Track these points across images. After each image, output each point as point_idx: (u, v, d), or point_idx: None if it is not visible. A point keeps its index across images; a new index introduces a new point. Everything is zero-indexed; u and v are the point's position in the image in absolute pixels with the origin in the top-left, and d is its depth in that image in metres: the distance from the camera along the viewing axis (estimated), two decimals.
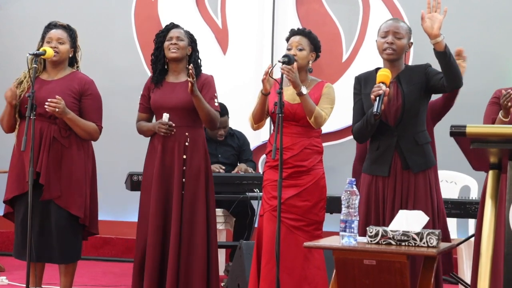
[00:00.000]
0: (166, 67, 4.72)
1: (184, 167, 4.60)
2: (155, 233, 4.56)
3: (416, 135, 4.00)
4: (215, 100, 4.68)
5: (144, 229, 4.62)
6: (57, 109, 4.43)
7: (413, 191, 3.96)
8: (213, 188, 4.74)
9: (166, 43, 4.65)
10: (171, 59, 4.66)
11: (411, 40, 4.09)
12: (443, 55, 3.79)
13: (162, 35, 4.70)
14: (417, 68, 4.07)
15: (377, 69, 4.10)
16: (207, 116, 4.60)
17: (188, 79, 4.45)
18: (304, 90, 4.29)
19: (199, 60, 4.74)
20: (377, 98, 3.81)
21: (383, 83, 3.86)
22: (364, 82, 4.12)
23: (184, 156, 4.61)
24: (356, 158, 5.03)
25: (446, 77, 3.87)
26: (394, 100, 4.00)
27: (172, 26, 4.73)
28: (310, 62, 4.48)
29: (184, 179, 4.59)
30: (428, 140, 4.03)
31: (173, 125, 4.57)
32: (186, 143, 4.62)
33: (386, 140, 4.01)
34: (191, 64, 4.53)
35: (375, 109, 3.79)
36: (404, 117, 3.98)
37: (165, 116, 4.58)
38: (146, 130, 4.72)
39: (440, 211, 4.04)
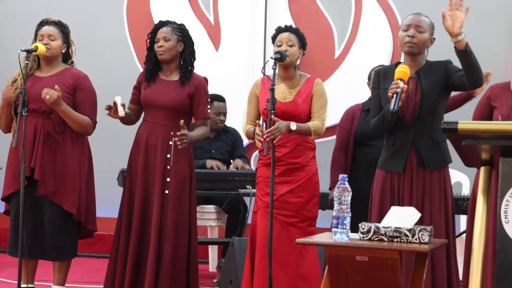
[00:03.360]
0: (160, 64, 4.70)
1: (168, 167, 4.57)
2: (135, 230, 4.53)
3: (433, 132, 3.96)
4: (208, 107, 4.66)
5: (120, 224, 4.60)
6: (47, 96, 4.39)
7: (429, 189, 3.94)
8: (195, 188, 4.70)
9: (155, 45, 4.63)
10: (160, 60, 4.65)
11: (434, 36, 4.03)
12: (464, 53, 3.76)
13: (152, 35, 4.67)
14: (437, 64, 4.01)
15: (397, 63, 4.06)
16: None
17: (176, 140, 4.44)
18: (293, 127, 4.24)
19: (191, 58, 4.66)
20: (395, 95, 3.78)
21: (401, 79, 3.82)
22: (383, 77, 4.06)
23: (168, 155, 4.58)
24: (336, 147, 5.02)
25: (467, 76, 3.83)
26: (413, 95, 3.96)
27: (160, 25, 4.67)
28: (299, 58, 4.49)
29: (168, 179, 4.57)
30: (445, 138, 3.96)
31: (117, 105, 4.45)
32: (170, 142, 4.57)
33: (402, 136, 3.97)
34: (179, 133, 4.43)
35: (392, 106, 3.76)
36: (421, 114, 3.94)
37: (117, 98, 4.48)
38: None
39: (452, 210, 4.02)
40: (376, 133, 4.10)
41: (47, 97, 4.41)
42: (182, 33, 4.67)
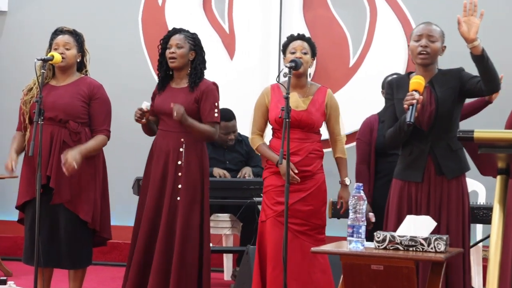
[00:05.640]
0: (171, 72, 4.72)
1: (180, 173, 4.59)
2: (143, 237, 4.55)
3: (450, 140, 3.94)
4: (215, 110, 4.63)
5: (136, 232, 4.62)
6: (175, 113, 4.42)
7: (446, 198, 3.92)
8: (208, 195, 4.69)
9: (167, 52, 4.64)
10: (171, 68, 4.66)
11: (444, 44, 4.03)
12: (480, 58, 3.75)
13: (165, 41, 4.69)
14: (450, 72, 4.00)
15: (409, 73, 4.05)
16: (201, 136, 4.61)
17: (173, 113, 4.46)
18: (347, 181, 4.55)
19: (201, 67, 4.67)
20: (411, 106, 3.75)
21: (416, 91, 3.80)
22: (396, 87, 4.05)
23: (179, 162, 4.59)
24: (358, 161, 5.02)
25: (484, 81, 3.81)
26: (428, 105, 3.94)
27: (173, 32, 4.69)
28: (310, 67, 4.54)
29: (180, 185, 4.57)
30: (462, 145, 3.90)
31: (144, 110, 4.52)
32: (181, 149, 4.59)
33: (419, 145, 3.95)
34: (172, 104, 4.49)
35: (408, 119, 3.74)
36: (437, 122, 3.92)
37: (144, 104, 4.54)
38: (143, 128, 4.73)
39: (469, 218, 4.00)
40: (392, 144, 4.08)
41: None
42: (194, 42, 4.68)
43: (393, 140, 4.00)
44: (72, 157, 4.42)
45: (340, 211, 4.92)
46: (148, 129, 4.73)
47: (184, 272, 4.52)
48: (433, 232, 3.51)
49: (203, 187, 4.64)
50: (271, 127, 4.62)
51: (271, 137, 4.63)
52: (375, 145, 4.92)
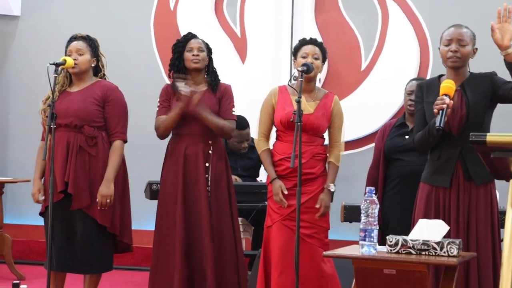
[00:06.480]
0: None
1: (207, 175, 4.61)
2: (182, 243, 4.53)
3: None
4: (233, 109, 4.71)
5: (166, 238, 4.60)
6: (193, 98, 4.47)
7: (475, 204, 3.86)
8: (235, 196, 4.75)
9: (188, 54, 4.67)
10: (193, 69, 4.68)
11: (476, 46, 3.95)
12: None
13: (182, 45, 4.72)
14: (482, 76, 3.93)
15: (440, 76, 4.00)
16: (220, 130, 4.62)
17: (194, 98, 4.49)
18: (332, 188, 4.49)
19: (215, 71, 4.77)
20: (440, 111, 3.70)
21: (446, 95, 3.74)
22: (426, 90, 3.98)
23: (207, 164, 4.62)
24: (370, 166, 5.01)
25: None
26: (458, 109, 3.88)
27: (192, 36, 4.75)
28: (320, 72, 4.55)
29: (208, 188, 4.60)
30: None
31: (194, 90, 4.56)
32: (210, 151, 4.63)
33: (448, 150, 3.89)
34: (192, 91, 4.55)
35: (437, 123, 3.68)
36: (468, 127, 3.84)
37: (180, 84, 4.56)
38: (169, 118, 4.63)
39: (498, 224, 3.95)
40: (421, 148, 4.01)
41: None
42: (208, 48, 4.77)
43: (421, 144, 3.94)
44: (103, 195, 4.46)
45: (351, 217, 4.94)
46: (174, 122, 4.66)
47: (225, 273, 4.58)
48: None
49: (230, 186, 4.69)
50: (275, 129, 4.63)
51: (275, 140, 4.63)
52: (383, 149, 4.90)
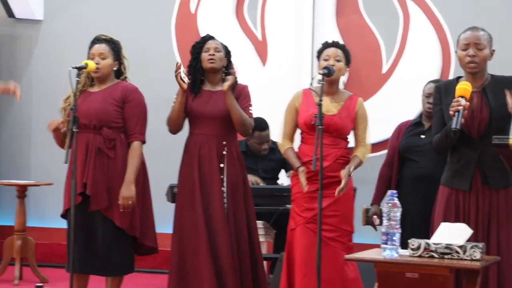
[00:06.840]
0: (202, 77, 4.76)
1: (222, 176, 4.61)
2: (205, 245, 4.54)
3: None
4: (250, 109, 4.72)
5: (187, 242, 4.60)
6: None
7: (496, 208, 3.83)
8: (252, 197, 4.75)
9: (204, 54, 4.70)
10: (209, 69, 4.71)
11: (493, 48, 3.92)
12: None
13: (199, 46, 4.75)
14: (504, 79, 3.90)
15: (458, 78, 3.97)
16: (239, 119, 4.61)
17: (228, 79, 4.54)
18: (350, 168, 4.42)
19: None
20: (456, 113, 3.68)
21: (462, 97, 3.72)
22: (444, 92, 3.96)
23: (222, 165, 4.62)
24: (383, 164, 5.00)
25: None
26: (478, 111, 3.85)
27: (209, 37, 4.79)
28: (344, 75, 4.54)
29: (223, 188, 4.59)
30: None
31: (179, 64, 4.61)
32: (224, 152, 4.65)
33: (468, 153, 3.87)
34: (232, 70, 4.61)
35: (454, 125, 3.66)
36: (488, 130, 3.81)
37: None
38: (172, 109, 4.70)
39: None
40: (439, 150, 3.99)
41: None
42: (226, 50, 4.79)
43: (439, 146, 3.92)
44: (125, 197, 4.47)
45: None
46: (176, 118, 4.69)
47: (242, 274, 4.61)
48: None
49: (246, 187, 4.72)
50: (300, 131, 4.62)
51: (300, 143, 4.62)
52: (398, 149, 4.89)
